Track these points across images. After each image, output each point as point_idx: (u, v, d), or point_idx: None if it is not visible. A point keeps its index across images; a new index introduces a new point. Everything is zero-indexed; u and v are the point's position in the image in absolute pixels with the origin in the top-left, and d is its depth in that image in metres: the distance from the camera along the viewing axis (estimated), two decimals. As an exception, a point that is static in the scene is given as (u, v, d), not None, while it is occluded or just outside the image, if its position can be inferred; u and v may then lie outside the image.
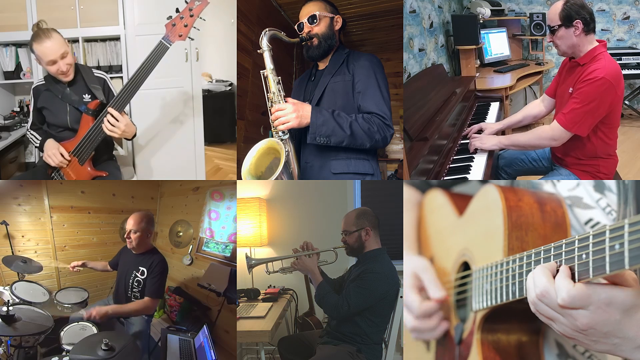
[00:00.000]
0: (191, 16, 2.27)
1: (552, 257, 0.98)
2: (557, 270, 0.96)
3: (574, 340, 0.97)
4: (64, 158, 2.32)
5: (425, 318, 1.35)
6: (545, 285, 0.95)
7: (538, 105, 2.63)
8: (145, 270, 2.47)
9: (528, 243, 1.14)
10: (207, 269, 3.09)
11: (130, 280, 2.50)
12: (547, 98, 2.54)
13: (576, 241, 0.92)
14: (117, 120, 2.24)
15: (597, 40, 2.18)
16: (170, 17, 2.28)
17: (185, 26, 2.27)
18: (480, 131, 2.70)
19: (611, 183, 1.18)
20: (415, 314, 1.36)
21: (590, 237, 0.88)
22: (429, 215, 1.55)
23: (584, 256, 0.90)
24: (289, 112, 1.94)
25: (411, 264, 1.43)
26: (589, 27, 2.14)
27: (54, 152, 2.31)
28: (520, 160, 2.61)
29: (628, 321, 0.91)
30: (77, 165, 2.35)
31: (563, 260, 0.95)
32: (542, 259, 1.00)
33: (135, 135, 2.45)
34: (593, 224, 1.19)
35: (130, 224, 2.46)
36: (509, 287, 1.09)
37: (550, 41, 2.26)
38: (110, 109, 2.25)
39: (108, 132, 2.26)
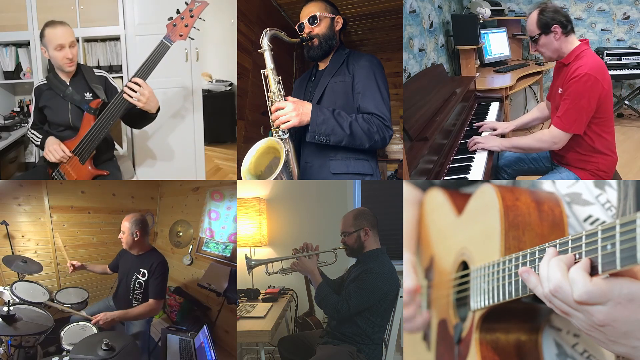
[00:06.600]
0: (191, 17, 2.32)
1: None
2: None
3: (592, 338, 0.91)
4: (65, 154, 2.33)
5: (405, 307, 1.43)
6: (559, 280, 0.89)
7: (545, 108, 2.68)
8: (146, 272, 2.47)
9: (525, 242, 1.14)
10: (207, 269, 3.09)
11: (132, 282, 2.50)
12: (548, 102, 2.57)
13: (569, 241, 0.92)
14: (140, 86, 2.26)
15: (579, 40, 2.25)
16: (171, 17, 2.33)
17: (186, 26, 2.32)
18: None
19: (611, 181, 1.18)
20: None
21: (584, 237, 0.88)
22: (429, 214, 1.56)
23: (577, 256, 0.90)
24: (290, 111, 1.94)
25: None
26: (567, 29, 2.23)
27: (55, 148, 2.33)
28: (521, 160, 2.64)
29: None
30: (78, 164, 2.36)
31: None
32: (537, 259, 0.99)
33: (158, 110, 2.44)
34: (592, 221, 1.18)
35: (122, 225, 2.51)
36: (506, 287, 1.09)
37: (534, 51, 2.35)
38: (133, 79, 2.27)
39: (132, 101, 2.27)
